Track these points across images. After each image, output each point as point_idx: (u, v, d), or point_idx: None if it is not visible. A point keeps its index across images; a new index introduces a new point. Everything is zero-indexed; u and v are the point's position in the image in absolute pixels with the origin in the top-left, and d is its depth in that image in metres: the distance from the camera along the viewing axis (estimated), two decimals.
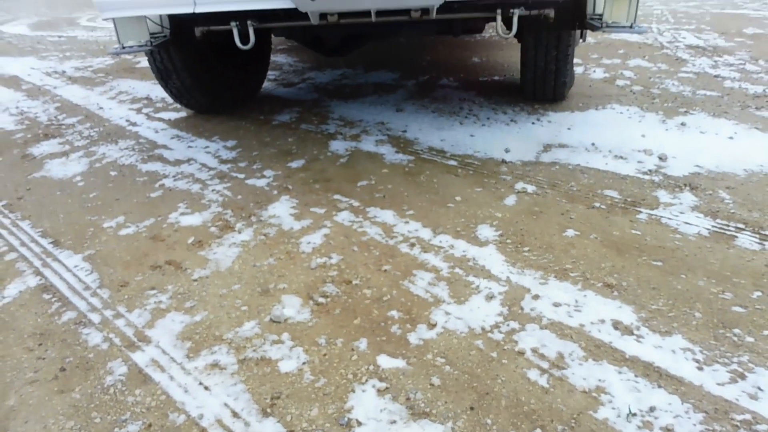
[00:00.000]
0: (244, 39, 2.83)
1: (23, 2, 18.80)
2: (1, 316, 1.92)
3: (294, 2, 2.42)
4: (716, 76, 4.65)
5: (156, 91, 4.60)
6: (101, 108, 4.33)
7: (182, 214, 2.52)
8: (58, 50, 7.52)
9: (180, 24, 2.98)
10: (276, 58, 5.66)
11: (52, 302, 1.98)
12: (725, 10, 9.86)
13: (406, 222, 2.34)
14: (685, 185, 2.61)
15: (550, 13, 2.87)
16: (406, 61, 5.33)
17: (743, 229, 2.22)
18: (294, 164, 3.00)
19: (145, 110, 4.19)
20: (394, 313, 1.80)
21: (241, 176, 2.88)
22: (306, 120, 3.72)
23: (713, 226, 2.25)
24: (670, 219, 2.31)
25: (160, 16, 2.90)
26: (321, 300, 1.87)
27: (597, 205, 2.44)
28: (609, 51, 5.67)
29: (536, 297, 1.85)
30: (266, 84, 4.62)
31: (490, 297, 1.85)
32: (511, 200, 2.50)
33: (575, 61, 4.79)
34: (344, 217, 2.41)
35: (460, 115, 3.67)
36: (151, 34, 2.90)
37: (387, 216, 2.40)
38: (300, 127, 3.60)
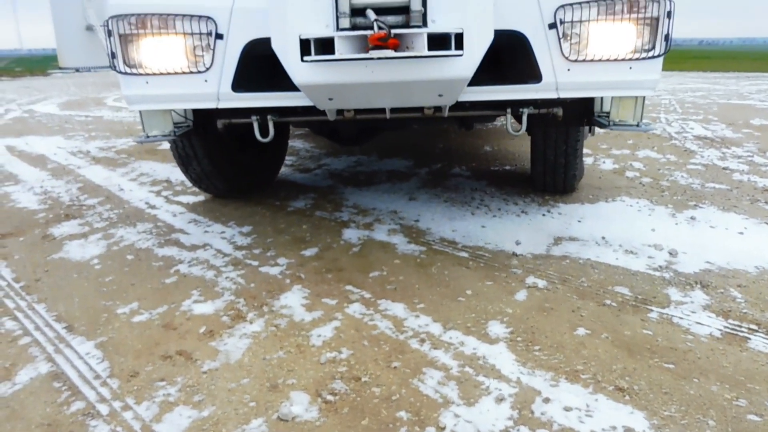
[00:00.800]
0: (264, 132, 2.95)
1: (55, 82, 19.70)
2: (11, 404, 1.92)
3: (312, 101, 2.54)
4: (725, 169, 4.72)
5: (176, 173, 4.74)
6: (122, 189, 4.46)
7: (195, 301, 2.55)
8: (85, 130, 7.83)
9: (203, 116, 3.12)
10: (293, 143, 5.85)
11: (62, 391, 1.98)
12: (731, 100, 10.10)
13: (417, 316, 2.35)
14: (696, 283, 2.61)
15: (559, 111, 2.98)
16: (420, 149, 5.48)
17: (756, 331, 2.21)
18: (307, 252, 3.05)
19: (164, 193, 4.31)
20: (402, 414, 1.78)
21: (255, 263, 2.93)
22: (320, 207, 3.80)
23: (725, 327, 2.24)
24: (681, 318, 2.30)
25: (185, 109, 3.04)
26: (329, 397, 1.86)
27: (608, 302, 2.44)
28: (618, 141, 5.80)
29: (547, 400, 1.83)
30: (283, 169, 4.76)
31: (500, 399, 1.83)
32: (521, 295, 2.51)
33: (585, 151, 4.90)
34: (355, 309, 2.43)
35: (472, 205, 3.74)
36: (174, 124, 3.02)
37: (398, 309, 2.41)
38: (314, 214, 3.68)
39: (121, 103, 11.21)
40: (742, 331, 2.21)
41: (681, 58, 28.40)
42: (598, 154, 5.26)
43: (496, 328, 2.25)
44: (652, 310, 2.37)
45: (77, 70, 27.54)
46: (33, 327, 2.42)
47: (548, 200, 3.79)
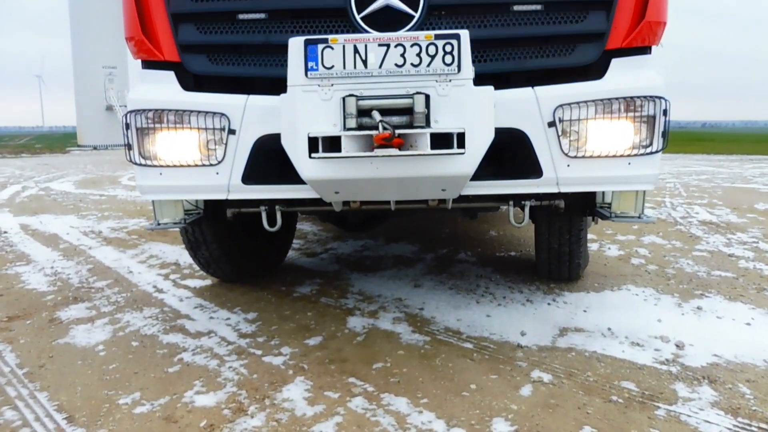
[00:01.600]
0: (272, 221, 3.02)
1: (73, 159, 20.25)
2: None
3: (319, 194, 2.62)
4: (730, 255, 4.74)
5: (184, 256, 4.79)
6: (131, 272, 4.51)
7: (197, 392, 2.53)
8: (98, 209, 7.98)
9: (213, 204, 3.21)
10: (301, 226, 5.93)
11: None
12: (735, 184, 10.22)
13: (420, 412, 2.32)
14: (704, 377, 2.58)
15: (561, 203, 3.04)
16: (426, 233, 5.53)
17: (766, 430, 2.16)
18: (311, 341, 3.04)
19: (172, 276, 4.35)
20: None
21: (259, 353, 2.92)
22: (326, 293, 3.82)
23: (735, 426, 2.19)
24: (689, 416, 2.26)
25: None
26: None
27: (614, 398, 2.40)
28: (623, 226, 5.84)
29: None
30: (290, 253, 4.81)
31: None
32: (527, 390, 2.48)
33: (590, 236, 4.94)
34: (358, 403, 2.40)
35: (477, 293, 3.75)
36: (185, 211, 3.11)
37: (401, 404, 2.38)
38: (320, 300, 3.69)
39: (135, 182, 11.48)
40: (752, 430, 2.16)
41: (685, 140, 28.91)
42: (603, 239, 5.29)
43: (500, 426, 2.21)
44: (659, 407, 2.33)
45: (95, 148, 28.47)
46: (33, 417, 2.40)
47: (553, 288, 3.80)
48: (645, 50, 2.68)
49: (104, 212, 7.70)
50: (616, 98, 2.57)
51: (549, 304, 3.52)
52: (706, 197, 8.37)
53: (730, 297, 3.65)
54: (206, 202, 3.18)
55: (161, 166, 2.76)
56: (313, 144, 2.32)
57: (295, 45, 2.33)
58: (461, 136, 2.29)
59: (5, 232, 6.36)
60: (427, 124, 2.28)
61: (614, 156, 2.61)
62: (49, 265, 4.81)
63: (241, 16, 2.67)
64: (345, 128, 2.29)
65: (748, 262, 4.50)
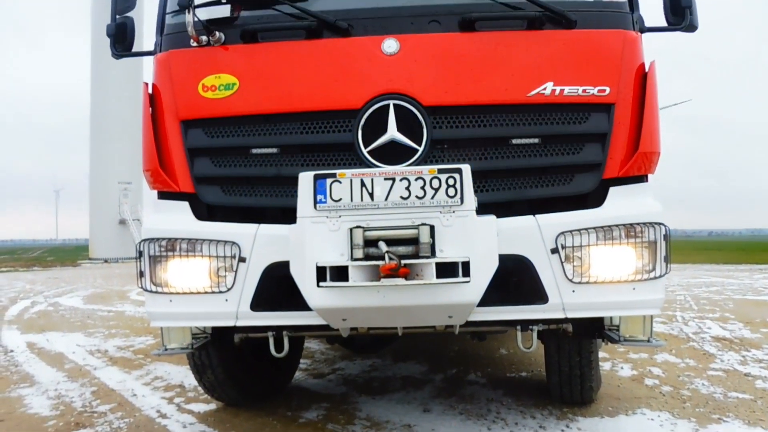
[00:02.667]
0: (279, 347, 3.01)
1: (83, 273, 20.42)
2: None
3: (327, 321, 2.63)
4: (746, 375, 4.63)
5: (190, 378, 4.70)
6: (135, 395, 4.43)
7: None
8: (105, 326, 7.97)
9: (221, 329, 3.21)
10: (309, 344, 5.86)
11: None
12: (746, 296, 10.12)
13: None
14: None
15: (569, 327, 3.03)
16: (435, 352, 5.45)
17: None
18: None
19: (176, 399, 4.26)
20: None
21: None
22: (333, 419, 3.72)
23: None
24: None
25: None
26: None
27: None
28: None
29: None
30: (297, 373, 4.73)
31: None
32: None
33: (602, 355, 4.85)
34: None
35: (488, 418, 3.64)
36: (193, 335, 3.11)
37: None
38: (326, 426, 3.58)
39: (144, 297, 11.49)
40: None
41: (693, 249, 28.92)
42: (615, 358, 5.19)
43: None
44: None
45: (106, 261, 28.78)
46: None
47: (566, 413, 3.68)
48: (641, 178, 2.79)
49: (111, 329, 7.68)
50: (617, 225, 2.64)
51: (562, 430, 3.40)
52: (717, 311, 8.27)
53: (749, 422, 3.52)
54: (214, 327, 3.18)
55: (171, 293, 2.80)
56: (321, 273, 2.37)
57: (305, 179, 2.45)
58: (466, 265, 2.34)
59: (11, 351, 6.32)
60: (433, 254, 2.34)
61: (618, 281, 2.63)
62: (53, 387, 4.74)
63: (255, 151, 2.82)
64: (352, 258, 2.36)
65: (766, 382, 4.38)
